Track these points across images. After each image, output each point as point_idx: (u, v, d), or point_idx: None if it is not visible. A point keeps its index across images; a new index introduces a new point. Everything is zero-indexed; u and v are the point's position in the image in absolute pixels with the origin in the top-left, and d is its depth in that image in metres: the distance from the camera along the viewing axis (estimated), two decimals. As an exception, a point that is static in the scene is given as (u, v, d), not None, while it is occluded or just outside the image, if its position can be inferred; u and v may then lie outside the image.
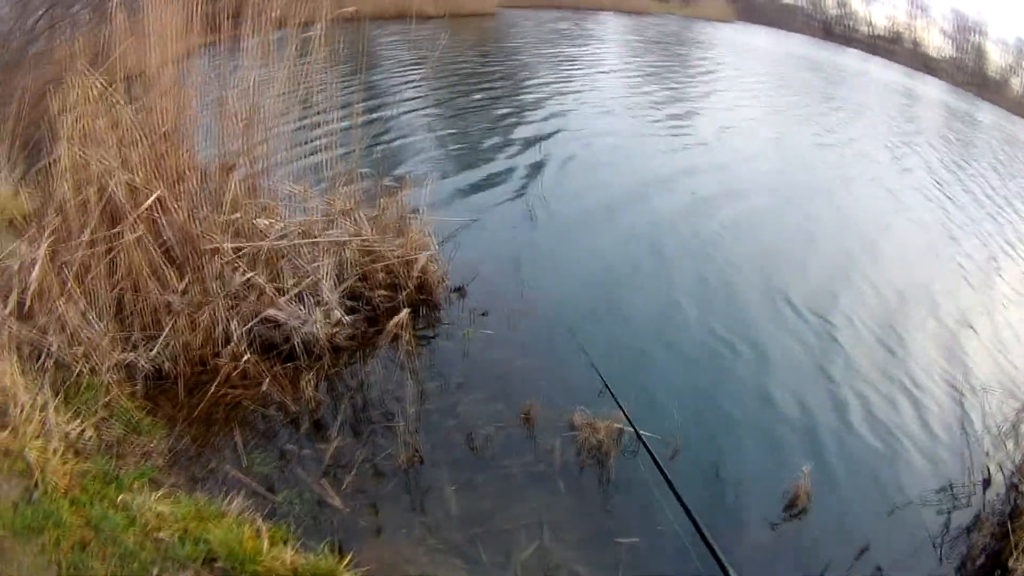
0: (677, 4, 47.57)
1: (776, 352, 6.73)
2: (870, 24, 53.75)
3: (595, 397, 5.32)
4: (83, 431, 4.39)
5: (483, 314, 6.25)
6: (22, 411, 4.24)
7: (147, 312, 4.83)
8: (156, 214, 4.88)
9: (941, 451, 5.97)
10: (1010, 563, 4.69)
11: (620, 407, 5.09)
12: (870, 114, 22.18)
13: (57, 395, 4.45)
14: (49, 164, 5.03)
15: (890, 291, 8.65)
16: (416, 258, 5.86)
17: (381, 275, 5.79)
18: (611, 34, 30.72)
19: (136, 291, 4.79)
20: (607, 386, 5.34)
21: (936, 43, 49.68)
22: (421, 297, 6.10)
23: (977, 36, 47.92)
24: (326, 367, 5.14)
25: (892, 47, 49.23)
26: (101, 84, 4.89)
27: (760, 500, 4.94)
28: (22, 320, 4.60)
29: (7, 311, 4.60)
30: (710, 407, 5.79)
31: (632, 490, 4.72)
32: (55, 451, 4.14)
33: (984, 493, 5.53)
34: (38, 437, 4.17)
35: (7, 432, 4.19)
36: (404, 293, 5.82)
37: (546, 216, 8.70)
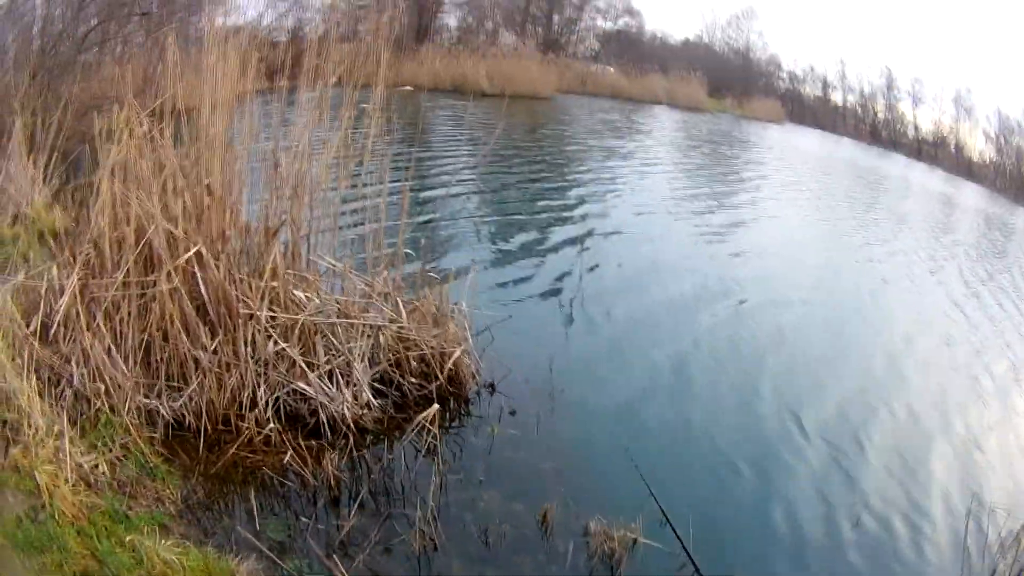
0: (731, 103, 47.65)
1: (784, 470, 6.84)
2: (916, 127, 53.39)
3: (612, 505, 5.28)
4: (97, 465, 4.27)
5: (511, 413, 6.16)
6: (36, 433, 4.11)
7: (174, 363, 4.73)
8: (193, 268, 4.85)
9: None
10: None
11: (668, 522, 5.25)
12: (910, 224, 22.22)
13: (74, 425, 4.34)
14: (84, 185, 5.00)
15: (905, 411, 8.69)
16: (451, 351, 5.80)
17: (414, 363, 5.72)
18: (662, 129, 30.30)
19: (165, 340, 4.71)
20: (654, 497, 5.44)
21: (979, 147, 50.06)
22: (451, 390, 5.99)
23: (1019, 138, 48.19)
24: (350, 447, 5.01)
25: (936, 151, 49.11)
26: (148, 122, 4.95)
27: None
28: (44, 344, 4.50)
29: (30, 330, 4.51)
30: (736, 524, 5.86)
31: None
32: (66, 479, 4.02)
33: None
34: (50, 462, 4.06)
35: (18, 449, 4.09)
36: (435, 384, 5.74)
37: (582, 319, 8.61)
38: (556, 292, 9.27)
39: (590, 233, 12.16)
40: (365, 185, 6.21)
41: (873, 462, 7.29)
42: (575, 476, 5.69)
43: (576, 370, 7.32)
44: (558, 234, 11.76)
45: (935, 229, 23.17)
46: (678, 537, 5.09)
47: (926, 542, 6.38)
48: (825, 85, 57.74)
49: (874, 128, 54.30)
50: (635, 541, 4.99)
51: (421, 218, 9.40)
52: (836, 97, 57.72)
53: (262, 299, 5.01)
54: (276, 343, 4.95)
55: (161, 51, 5.27)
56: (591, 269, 10.26)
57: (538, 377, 6.90)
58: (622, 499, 5.42)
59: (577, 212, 13.49)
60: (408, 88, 7.17)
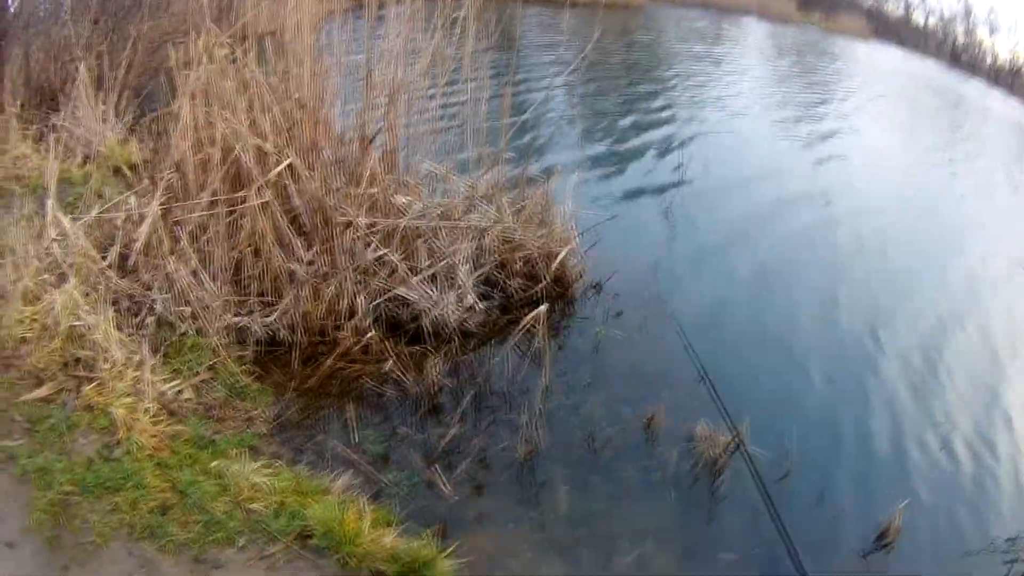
0: (818, 17, 37.46)
1: (889, 383, 4.88)
2: (994, 55, 40.56)
3: (716, 408, 3.78)
4: (181, 391, 2.98)
5: (618, 314, 4.57)
6: (113, 367, 2.88)
7: (267, 278, 3.47)
8: (286, 180, 3.58)
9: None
10: None
11: (728, 419, 3.62)
12: (991, 146, 16.52)
13: (156, 353, 3.04)
14: (161, 116, 3.88)
15: (980, 333, 6.24)
16: (556, 251, 4.36)
17: (519, 264, 4.29)
18: (751, 37, 24.63)
19: (257, 256, 3.46)
20: (718, 398, 3.85)
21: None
22: (557, 290, 4.52)
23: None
24: (454, 352, 3.71)
25: (1012, 80, 36.36)
26: (229, 43, 3.68)
27: (853, 528, 3.43)
28: (123, 274, 3.30)
29: (106, 263, 3.28)
30: (823, 432, 4.11)
31: (740, 507, 3.31)
32: (146, 410, 2.76)
33: None
34: (128, 395, 2.80)
35: (92, 387, 2.82)
36: (541, 285, 4.28)
37: (686, 221, 6.60)
38: (655, 193, 7.10)
39: (691, 137, 9.44)
40: (463, 91, 4.51)
41: (945, 384, 5.10)
42: (683, 380, 4.11)
43: (681, 274, 5.53)
44: (653, 137, 9.19)
45: (1016, 153, 17.03)
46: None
47: (988, 476, 4.36)
48: (907, 5, 44.42)
49: (954, 51, 40.97)
50: (739, 446, 3.50)
51: (523, 123, 6.70)
52: (918, 17, 44.27)
53: (360, 206, 3.70)
54: (376, 249, 3.66)
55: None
56: (693, 172, 7.77)
57: (643, 279, 5.16)
58: (727, 402, 3.88)
59: (670, 116, 10.54)
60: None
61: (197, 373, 3.02)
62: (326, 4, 4.10)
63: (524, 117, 6.56)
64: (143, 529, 2.35)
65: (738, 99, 13.07)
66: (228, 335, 3.22)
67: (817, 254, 6.75)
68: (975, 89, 30.07)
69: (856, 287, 6.26)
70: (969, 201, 10.48)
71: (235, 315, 3.26)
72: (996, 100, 28.54)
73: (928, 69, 30.05)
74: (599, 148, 8.24)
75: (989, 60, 39.20)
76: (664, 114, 10.52)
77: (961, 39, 41.35)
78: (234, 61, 3.74)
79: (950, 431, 4.65)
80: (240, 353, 3.21)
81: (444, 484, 2.89)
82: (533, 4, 14.00)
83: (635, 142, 8.83)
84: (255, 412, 2.97)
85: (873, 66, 25.68)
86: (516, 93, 7.97)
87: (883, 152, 12.38)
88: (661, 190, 7.19)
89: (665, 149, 8.64)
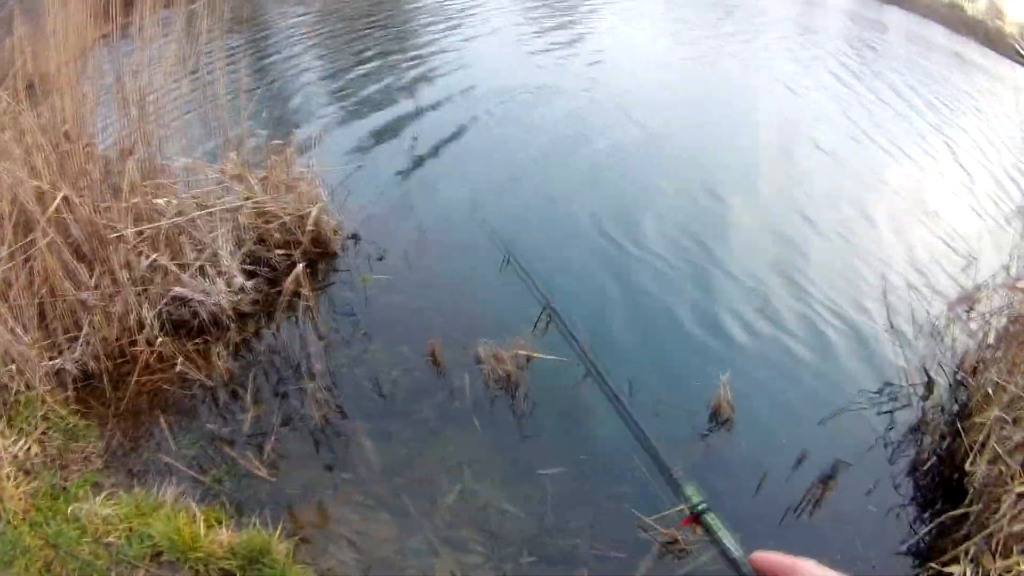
0: None
1: (687, 261, 4.99)
2: None
3: (495, 326, 3.89)
4: (28, 448, 3.27)
5: (379, 258, 4.72)
6: None
7: (67, 314, 3.69)
8: (64, 214, 3.66)
9: (872, 354, 4.31)
10: (966, 465, 3.23)
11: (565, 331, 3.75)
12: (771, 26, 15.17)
13: (1, 419, 3.33)
14: None
15: (806, 193, 6.44)
16: (308, 212, 4.46)
17: (277, 235, 4.45)
18: None
19: (54, 295, 3.64)
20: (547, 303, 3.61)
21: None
22: (317, 250, 4.67)
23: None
24: (234, 337, 3.93)
25: None
26: (5, 98, 3.64)
27: (683, 414, 3.58)
28: None
29: None
30: (619, 323, 4.24)
31: (546, 419, 3.53)
32: (8, 476, 3.08)
33: (927, 392, 3.96)
34: None
35: None
36: (300, 248, 4.47)
37: (435, 155, 6.50)
38: (404, 136, 6.80)
39: (438, 79, 8.71)
40: (207, 84, 4.33)
41: (784, 236, 5.47)
42: (454, 305, 4.27)
43: (433, 202, 5.52)
44: (405, 85, 8.46)
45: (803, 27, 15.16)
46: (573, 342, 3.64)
47: (852, 321, 4.53)
48: None
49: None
50: (528, 358, 3.64)
51: (266, 98, 6.90)
52: None
53: (127, 218, 3.79)
54: (147, 257, 3.82)
55: (11, 31, 3.76)
56: (439, 111, 7.49)
57: (399, 216, 5.22)
58: (504, 319, 3.94)
59: (424, 62, 9.54)
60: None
61: (36, 427, 3.45)
62: (85, 35, 3.82)
63: (267, 92, 6.72)
64: (37, 591, 2.98)
65: (488, 24, 11.68)
66: (49, 381, 3.53)
67: (582, 147, 6.56)
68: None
69: (632, 166, 6.29)
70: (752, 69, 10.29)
71: (50, 359, 3.56)
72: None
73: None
74: (343, 104, 7.75)
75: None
76: (408, 56, 9.57)
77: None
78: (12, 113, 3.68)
79: (754, 299, 4.60)
80: (64, 396, 3.55)
81: (259, 468, 3.16)
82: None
83: (380, 90, 8.18)
84: (88, 449, 3.44)
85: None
86: (260, 69, 7.93)
87: (647, 42, 11.64)
88: (408, 132, 6.85)
89: (410, 90, 8.06)
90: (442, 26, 11.43)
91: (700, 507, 0.83)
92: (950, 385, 4.06)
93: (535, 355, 3.66)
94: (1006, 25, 19.51)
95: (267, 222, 4.35)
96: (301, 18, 11.23)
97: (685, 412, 3.60)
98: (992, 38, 18.42)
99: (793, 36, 14.28)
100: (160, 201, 3.83)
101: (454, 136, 6.95)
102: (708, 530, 0.80)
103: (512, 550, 2.99)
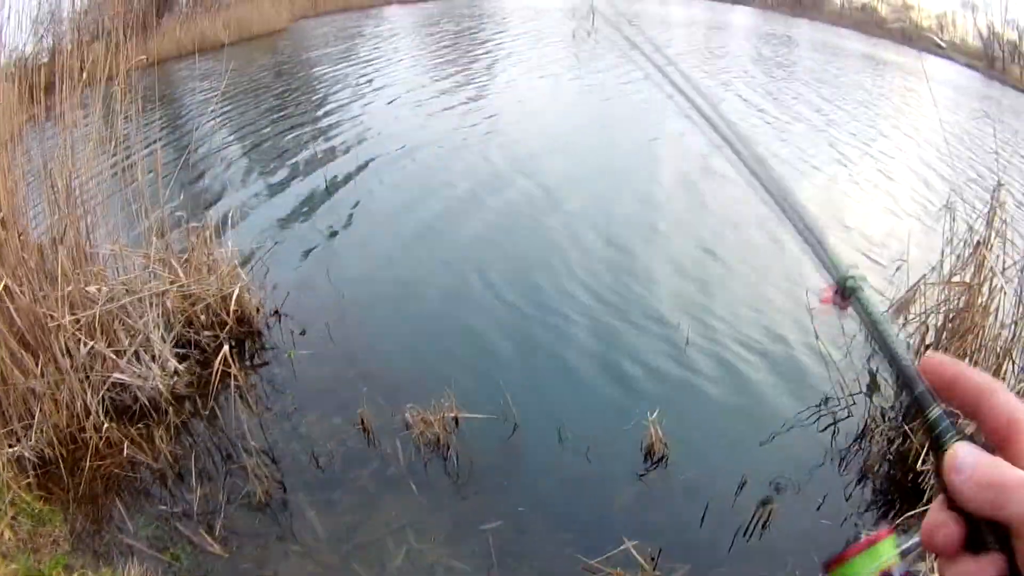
0: None
1: (600, 304, 5.02)
2: None
3: (421, 391, 3.93)
4: (2, 533, 3.38)
5: (302, 333, 4.76)
6: None
7: (20, 402, 3.78)
8: (6, 303, 3.72)
9: (805, 371, 4.26)
10: (918, 465, 3.28)
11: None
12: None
13: None
14: None
15: (712, 224, 6.48)
16: (231, 292, 4.49)
17: (203, 316, 4.48)
18: (397, 23, 21.49)
19: (5, 383, 3.71)
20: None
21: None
22: (242, 329, 4.70)
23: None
24: (173, 419, 3.99)
25: None
26: None
27: (615, 456, 3.61)
28: None
29: None
30: (540, 375, 4.30)
31: (481, 476, 3.57)
32: None
33: (869, 399, 3.92)
34: None
35: None
36: (226, 329, 4.52)
37: (345, 226, 6.63)
38: (318, 211, 6.93)
39: (343, 149, 9.12)
40: (126, 166, 4.41)
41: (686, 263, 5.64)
42: (378, 372, 4.30)
43: (349, 274, 5.53)
44: (312, 158, 8.62)
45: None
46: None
47: (776, 337, 4.55)
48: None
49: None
50: (456, 419, 3.76)
51: (183, 178, 6.53)
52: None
53: (63, 306, 3.83)
54: (85, 344, 3.88)
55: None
56: (349, 180, 7.61)
57: (318, 291, 5.22)
58: (428, 384, 4.01)
59: (328, 133, 9.95)
60: (141, 57, 3.96)
61: (6, 512, 3.60)
62: (12, 120, 3.83)
63: (186, 175, 6.65)
64: None
65: (386, 91, 12.27)
66: (12, 468, 3.70)
67: (488, 214, 6.68)
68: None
69: (523, 220, 6.49)
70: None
71: (9, 446, 3.70)
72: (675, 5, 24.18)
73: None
74: (258, 182, 7.79)
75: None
76: (321, 133, 9.63)
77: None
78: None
79: (670, 331, 4.57)
80: (27, 481, 3.71)
81: (212, 544, 3.28)
82: (188, 59, 11.92)
83: (293, 168, 8.26)
84: (56, 532, 3.61)
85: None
86: (177, 149, 7.76)
87: (541, 89, 12.36)
88: (321, 206, 6.97)
89: (324, 167, 8.04)
90: (347, 93, 11.97)
91: (850, 281, 0.54)
92: (893, 389, 4.02)
93: (463, 415, 3.75)
94: (921, 20, 18.76)
95: (193, 304, 4.41)
96: (211, 95, 11.27)
97: (618, 454, 3.63)
98: (908, 34, 17.65)
99: (699, 65, 14.26)
100: (92, 288, 3.89)
101: (360, 204, 7.13)
102: (863, 310, 0.54)
103: (464, 607, 3.13)
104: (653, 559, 3.04)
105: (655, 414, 3.54)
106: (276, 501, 3.55)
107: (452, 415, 3.78)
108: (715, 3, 27.62)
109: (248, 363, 4.61)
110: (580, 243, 6.21)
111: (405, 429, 3.82)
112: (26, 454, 3.80)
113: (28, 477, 3.79)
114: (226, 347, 3.98)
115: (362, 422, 3.89)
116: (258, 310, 4.96)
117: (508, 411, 3.81)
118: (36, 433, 3.81)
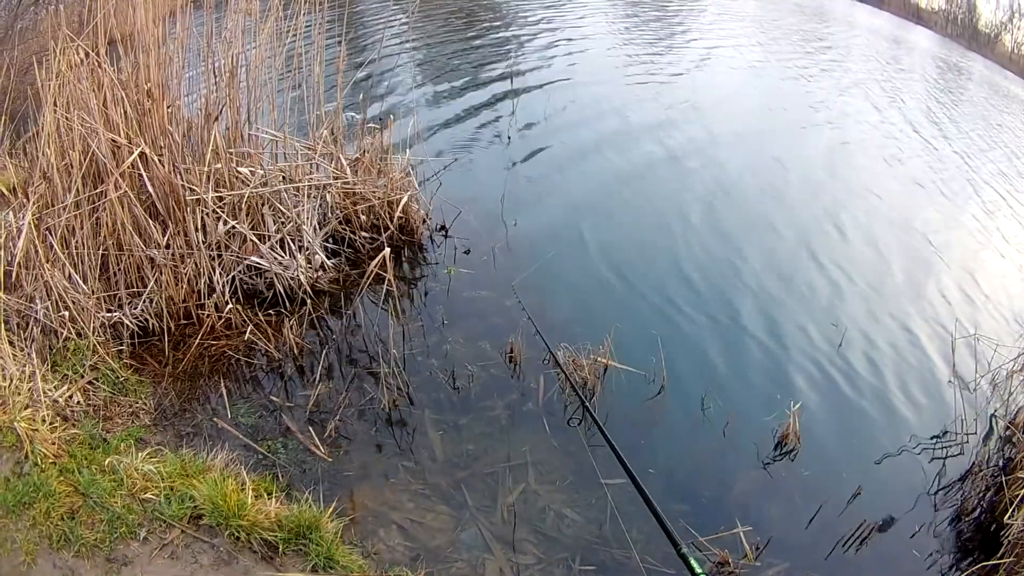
0: None
1: (765, 288, 5.16)
2: None
3: (578, 333, 3.99)
4: (71, 396, 3.31)
5: (466, 252, 4.85)
6: (11, 383, 3.17)
7: (132, 269, 3.74)
8: (139, 170, 3.75)
9: (932, 399, 4.44)
10: (1005, 518, 3.38)
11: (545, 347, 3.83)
12: (858, 55, 16.53)
13: (44, 362, 3.37)
14: (35, 133, 3.87)
15: (879, 236, 6.53)
16: (398, 198, 4.59)
17: (363, 217, 4.57)
18: None
19: (120, 249, 3.69)
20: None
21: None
22: (403, 237, 4.81)
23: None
24: (309, 312, 3.96)
25: None
26: (84, 49, 3.75)
27: (749, 438, 3.68)
28: (8, 291, 3.54)
29: None
30: (697, 342, 4.39)
31: (617, 430, 3.43)
32: (43, 419, 3.10)
33: (980, 444, 4.11)
34: (27, 407, 3.12)
35: None
36: (386, 234, 4.59)
37: (526, 154, 6.80)
38: (497, 134, 7.20)
39: (524, 76, 9.24)
40: (301, 60, 4.49)
41: (856, 279, 5.57)
42: (538, 306, 4.28)
43: (524, 203, 5.72)
44: (494, 79, 9.00)
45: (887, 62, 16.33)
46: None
47: (917, 365, 4.68)
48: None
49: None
50: (606, 367, 3.76)
51: (361, 80, 6.99)
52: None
53: (207, 182, 3.88)
54: (225, 223, 3.91)
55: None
56: (532, 107, 7.94)
57: (489, 214, 5.39)
58: (585, 329, 4.08)
59: (511, 58, 10.20)
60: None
61: (83, 375, 3.43)
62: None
63: (360, 74, 6.75)
64: (58, 538, 2.68)
65: (582, 42, 12.07)
66: (104, 332, 3.55)
67: (669, 170, 6.87)
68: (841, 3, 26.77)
69: (715, 196, 6.40)
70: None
71: (108, 311, 3.58)
72: (864, 14, 25.77)
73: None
74: (438, 94, 8.24)
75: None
76: (504, 58, 10.08)
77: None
78: (90, 65, 3.75)
79: (835, 332, 4.75)
80: (118, 348, 3.56)
81: (317, 446, 3.22)
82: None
83: (475, 86, 8.65)
84: (138, 405, 3.40)
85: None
86: (356, 51, 8.17)
87: (740, 73, 12.00)
88: (500, 131, 7.20)
89: (504, 91, 8.41)
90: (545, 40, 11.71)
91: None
92: (1000, 438, 4.20)
93: (614, 364, 3.77)
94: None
95: (355, 204, 4.42)
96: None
97: (753, 437, 3.70)
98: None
99: (874, 71, 14.54)
100: (245, 170, 3.94)
101: (547, 144, 7.13)
102: None
103: (566, 555, 3.00)
104: (758, 548, 3.04)
105: (797, 406, 3.64)
106: (400, 414, 3.45)
107: (604, 362, 3.76)
108: (900, 19, 28.38)
109: (402, 272, 4.57)
110: (766, 231, 6.16)
111: (553, 367, 3.78)
112: (126, 321, 3.64)
113: (121, 344, 3.63)
114: (386, 251, 3.83)
115: (511, 351, 3.85)
116: (424, 222, 4.93)
117: (658, 371, 3.82)
118: (144, 303, 3.69)
